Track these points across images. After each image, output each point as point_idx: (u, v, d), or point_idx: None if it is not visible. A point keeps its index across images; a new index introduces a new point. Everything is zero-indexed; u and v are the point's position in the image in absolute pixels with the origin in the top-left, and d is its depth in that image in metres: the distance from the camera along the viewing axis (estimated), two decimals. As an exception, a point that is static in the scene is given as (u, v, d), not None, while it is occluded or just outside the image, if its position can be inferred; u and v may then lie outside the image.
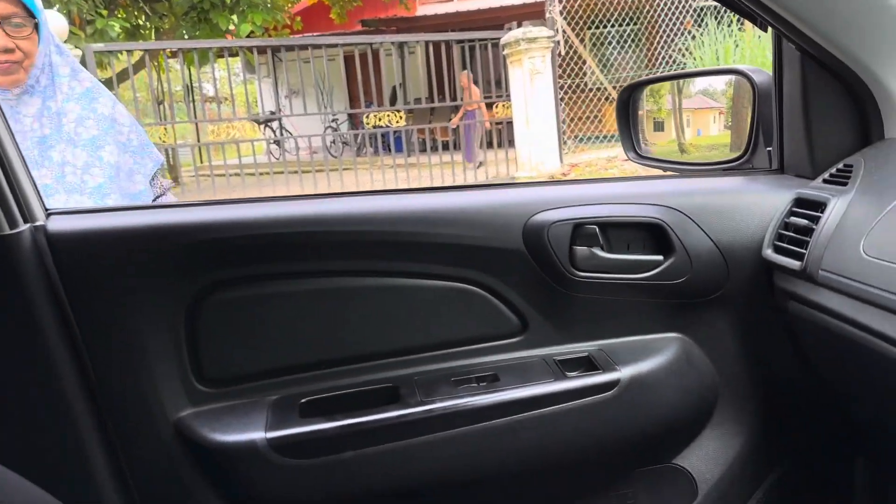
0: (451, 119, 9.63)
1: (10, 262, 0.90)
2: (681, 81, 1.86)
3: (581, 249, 1.09)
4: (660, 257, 1.11)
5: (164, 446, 1.00)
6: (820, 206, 1.02)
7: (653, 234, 1.12)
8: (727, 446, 1.18)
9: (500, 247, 1.08)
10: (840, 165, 1.09)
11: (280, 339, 1.06)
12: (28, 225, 0.93)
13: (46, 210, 0.98)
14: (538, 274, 1.10)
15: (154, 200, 1.65)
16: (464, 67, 9.42)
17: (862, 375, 1.00)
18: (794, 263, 1.00)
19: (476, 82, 9.46)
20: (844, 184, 1.02)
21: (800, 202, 1.08)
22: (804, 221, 1.02)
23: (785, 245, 1.05)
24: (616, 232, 1.12)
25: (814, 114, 1.13)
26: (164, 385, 1.01)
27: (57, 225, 0.96)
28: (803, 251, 0.99)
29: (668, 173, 1.43)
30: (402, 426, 1.01)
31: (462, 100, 9.70)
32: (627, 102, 1.47)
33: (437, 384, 1.07)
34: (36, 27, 1.49)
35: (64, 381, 0.95)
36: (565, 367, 1.10)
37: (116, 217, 1.02)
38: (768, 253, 1.07)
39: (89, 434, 0.97)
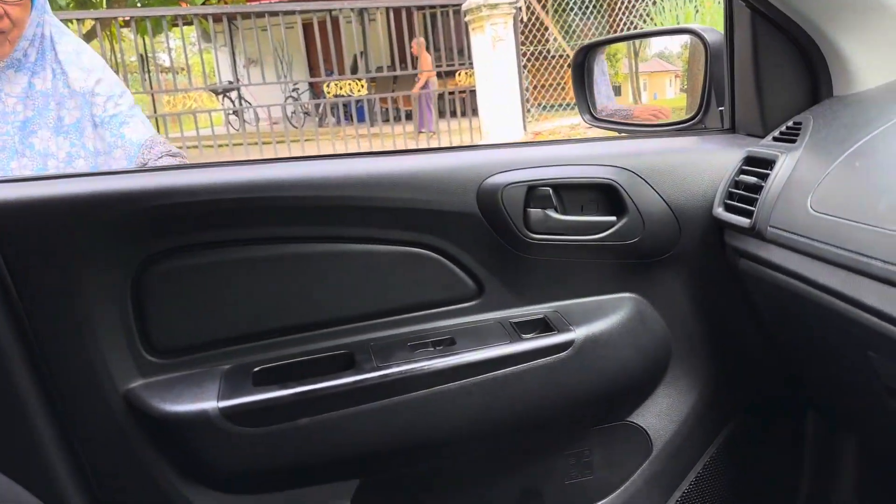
0: (413, 88, 9.52)
1: None
2: (637, 45, 1.85)
3: (535, 211, 1.09)
4: (613, 218, 1.12)
5: (115, 419, 0.98)
6: (769, 163, 1.03)
7: (606, 195, 1.12)
8: (681, 403, 1.20)
9: (454, 210, 1.07)
10: (790, 123, 1.09)
11: (231, 307, 1.04)
12: None
13: None
14: (493, 237, 1.10)
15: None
16: (425, 35, 9.30)
17: (809, 329, 1.02)
18: (744, 221, 1.01)
19: (437, 49, 9.35)
20: (793, 141, 1.03)
21: (750, 160, 1.09)
22: (754, 179, 1.03)
23: (735, 203, 1.06)
24: (569, 193, 1.12)
25: (764, 72, 1.13)
26: (113, 356, 0.98)
27: None
28: (752, 209, 1.00)
29: (622, 135, 1.43)
30: (357, 392, 1.00)
31: (415, 68, 9.58)
32: (583, 64, 1.46)
33: (393, 349, 1.06)
34: None
35: (7, 355, 0.91)
36: (521, 329, 1.10)
37: (60, 185, 0.98)
38: (719, 211, 1.08)
39: (36, 409, 0.94)
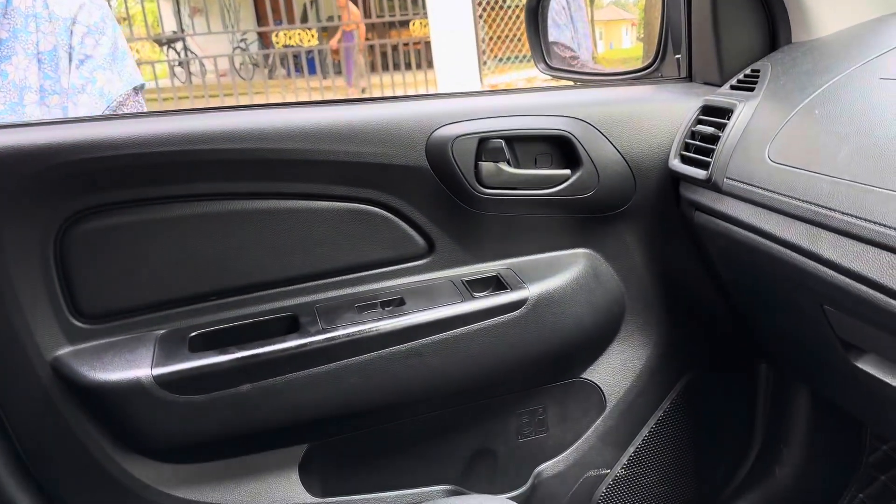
0: (368, 38, 9.27)
1: None
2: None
3: (487, 165, 1.05)
4: (567, 171, 1.08)
5: (42, 388, 0.92)
6: (726, 112, 0.99)
7: (560, 147, 1.08)
8: (634, 358, 1.19)
9: (401, 164, 1.02)
10: (747, 71, 1.06)
11: (164, 268, 0.98)
12: None
13: None
14: (443, 192, 1.05)
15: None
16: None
17: (764, 283, 1.00)
18: (700, 173, 0.98)
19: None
20: (751, 90, 1.00)
21: (707, 110, 1.05)
22: (711, 129, 1.00)
23: (691, 154, 1.02)
24: (523, 145, 1.07)
25: (722, 18, 1.09)
26: (37, 322, 0.92)
27: None
28: (709, 160, 0.97)
29: (577, 84, 1.38)
30: (302, 356, 0.96)
31: (340, 19, 9.27)
32: (536, 10, 1.40)
33: (340, 311, 1.02)
34: None
35: None
36: (473, 287, 1.07)
37: None
38: (675, 163, 1.05)
39: None
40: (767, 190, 0.85)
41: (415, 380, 1.03)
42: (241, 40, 10.89)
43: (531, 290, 1.06)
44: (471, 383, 1.08)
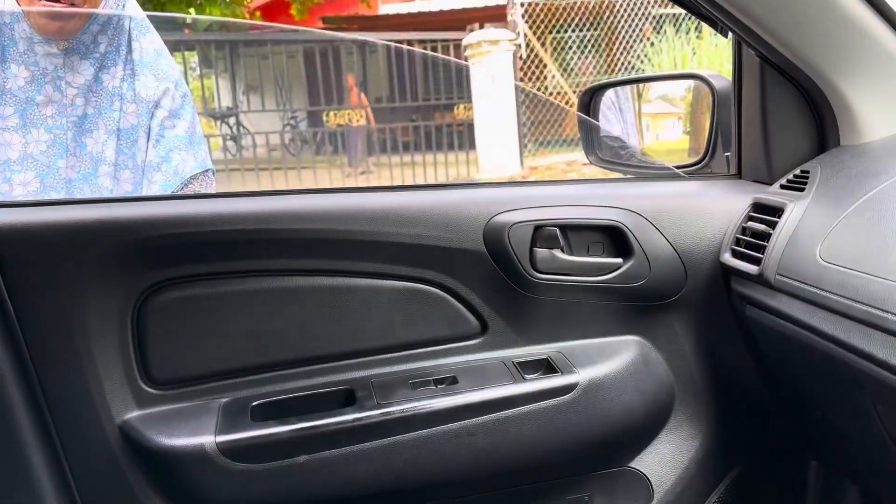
0: (412, 119, 9.59)
1: None
2: (640, 87, 1.88)
3: (541, 251, 1.09)
4: (619, 260, 1.11)
5: (109, 450, 0.96)
6: (777, 211, 1.03)
7: (612, 237, 1.12)
8: (683, 449, 1.19)
9: (460, 247, 1.07)
10: (797, 171, 1.10)
11: (232, 339, 1.03)
12: None
13: None
14: (498, 275, 1.09)
15: None
16: (426, 68, 9.40)
17: (815, 379, 1.01)
18: (752, 268, 1.01)
19: (437, 82, 9.44)
20: (801, 189, 1.03)
21: (757, 207, 1.09)
22: (762, 226, 1.03)
23: (742, 249, 1.05)
24: (576, 234, 1.11)
25: (772, 120, 1.14)
26: (110, 386, 0.97)
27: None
28: (760, 256, 1.00)
29: (628, 177, 1.43)
30: (358, 430, 0.98)
31: (348, 102, 9.59)
32: (588, 105, 1.47)
33: (395, 386, 1.05)
34: None
35: (4, 381, 0.89)
36: (524, 369, 1.09)
37: (63, 211, 0.97)
38: (726, 257, 1.08)
39: (30, 436, 0.92)
40: (819, 288, 0.87)
41: (464, 459, 1.04)
42: (292, 117, 11.34)
43: (581, 375, 1.08)
44: (519, 466, 1.09)
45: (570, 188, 1.20)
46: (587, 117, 1.48)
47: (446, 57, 8.78)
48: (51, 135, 1.26)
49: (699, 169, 1.30)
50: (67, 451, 0.95)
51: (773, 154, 1.15)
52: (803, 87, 1.11)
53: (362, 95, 9.26)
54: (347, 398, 1.03)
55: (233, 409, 1.00)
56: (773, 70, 1.11)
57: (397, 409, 1.00)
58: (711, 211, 1.13)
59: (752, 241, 1.04)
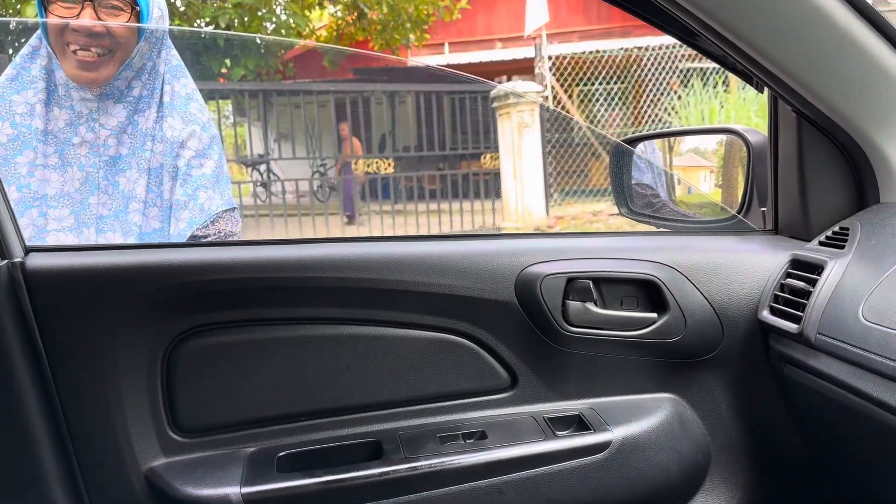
0: (439, 167, 9.69)
1: None
2: (671, 140, 1.87)
3: (574, 304, 1.07)
4: (654, 315, 1.09)
5: (134, 497, 0.96)
6: (817, 268, 1.00)
7: (647, 291, 1.10)
8: None
9: (490, 298, 1.06)
10: (836, 228, 1.08)
11: (259, 387, 1.02)
12: (5, 262, 0.90)
13: (26, 247, 0.96)
14: (529, 327, 1.08)
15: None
16: (453, 118, 9.54)
17: (859, 443, 0.97)
18: (791, 326, 0.98)
19: (464, 132, 9.55)
20: (842, 247, 1.01)
21: (796, 264, 1.06)
22: (801, 284, 1.01)
23: (781, 307, 1.03)
24: (610, 287, 1.10)
25: (809, 175, 1.13)
26: (137, 432, 0.97)
27: (36, 262, 0.93)
28: (800, 314, 0.98)
29: (661, 230, 1.42)
30: (384, 484, 0.97)
31: (342, 151, 9.69)
32: (620, 157, 1.47)
33: (423, 440, 1.03)
34: (137, 17, 1.26)
35: (32, 425, 0.90)
36: (555, 425, 1.07)
37: (97, 256, 0.98)
38: (765, 315, 1.05)
39: (56, 480, 0.92)
40: (862, 349, 0.85)
41: None
42: (321, 165, 11.54)
43: (615, 434, 1.05)
44: None
45: (604, 240, 1.18)
46: (619, 170, 1.48)
47: (475, 85, 8.90)
48: (83, 173, 1.31)
49: (735, 224, 1.28)
50: (92, 497, 0.95)
51: (811, 210, 1.13)
52: (841, 143, 1.09)
53: (355, 143, 9.42)
54: (374, 451, 1.02)
55: (259, 459, 0.99)
56: (810, 125, 1.10)
57: (425, 463, 0.98)
58: (749, 266, 1.11)
59: (791, 298, 1.02)
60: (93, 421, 0.95)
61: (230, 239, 1.38)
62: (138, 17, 1.27)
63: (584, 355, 1.10)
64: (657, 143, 1.72)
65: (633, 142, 1.47)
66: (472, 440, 1.04)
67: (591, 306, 1.08)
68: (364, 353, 1.05)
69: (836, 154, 1.11)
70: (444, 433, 1.04)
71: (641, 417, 1.09)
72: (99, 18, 1.23)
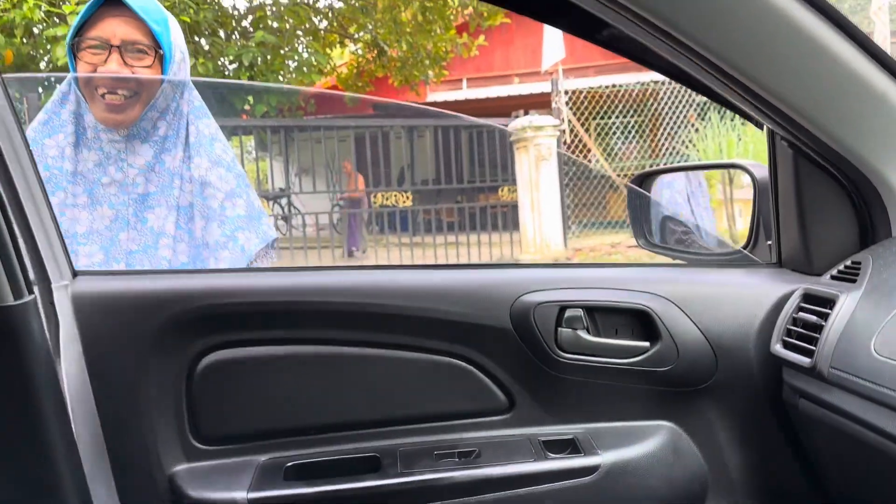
0: (457, 200, 9.75)
1: (27, 326, 0.90)
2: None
3: (566, 331, 1.11)
4: (646, 344, 1.11)
5: (158, 497, 1.04)
6: (829, 302, 1.01)
7: (640, 321, 1.12)
8: None
9: (488, 324, 1.11)
10: (848, 262, 1.08)
11: (271, 402, 1.09)
12: (60, 283, 0.99)
13: (74, 270, 1.05)
14: (525, 353, 1.11)
15: None
16: (471, 151, 9.63)
17: (870, 477, 0.96)
18: (804, 360, 0.99)
19: (482, 165, 9.62)
20: (853, 281, 1.02)
21: (808, 298, 1.07)
22: (813, 318, 1.01)
23: (794, 341, 1.03)
24: (604, 316, 1.12)
25: (808, 209, 1.14)
26: (164, 439, 1.06)
27: (83, 286, 1.01)
28: (813, 348, 0.98)
29: (658, 263, 1.44)
30: (379, 496, 1.03)
31: (346, 187, 9.82)
32: (640, 187, 1.49)
33: (419, 457, 1.08)
34: (161, 60, 1.31)
35: (75, 432, 0.95)
36: (550, 448, 1.09)
37: (139, 280, 1.08)
38: (777, 348, 1.06)
39: (96, 481, 0.98)
40: (875, 383, 0.85)
41: None
42: (341, 198, 11.67)
43: (605, 458, 1.07)
44: None
45: (597, 271, 1.22)
46: (637, 201, 1.50)
47: (491, 123, 8.98)
48: (113, 210, 1.35)
49: (740, 257, 1.30)
50: (123, 496, 1.02)
51: (811, 243, 1.14)
52: (846, 176, 1.10)
53: (360, 179, 9.56)
54: (373, 465, 1.07)
55: (269, 469, 1.07)
56: (807, 161, 1.12)
57: (418, 479, 1.03)
58: (745, 298, 1.13)
59: (803, 332, 1.02)
60: (126, 429, 1.04)
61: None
62: (162, 59, 1.32)
63: (579, 381, 1.13)
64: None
65: (650, 175, 1.49)
66: (465, 459, 1.09)
67: (582, 334, 1.11)
68: (368, 373, 1.11)
69: (836, 188, 1.12)
70: (440, 451, 1.09)
71: (634, 443, 1.11)
72: (125, 63, 1.28)
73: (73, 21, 1.31)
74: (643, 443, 1.11)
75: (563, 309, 1.11)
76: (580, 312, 1.11)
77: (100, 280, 1.08)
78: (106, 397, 1.02)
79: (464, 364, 1.12)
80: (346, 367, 1.10)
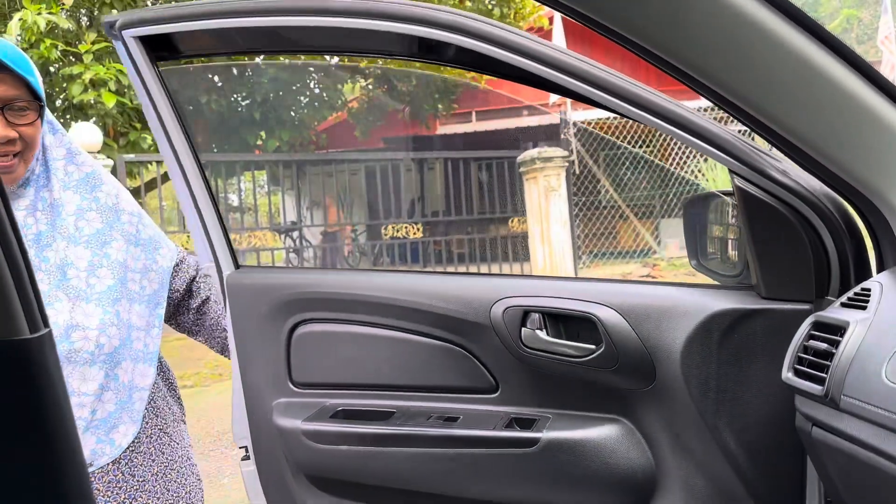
0: (467, 231, 9.79)
1: (43, 359, 0.91)
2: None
3: (527, 331, 1.32)
4: (592, 346, 1.28)
5: (266, 418, 1.48)
6: (839, 329, 1.01)
7: (587, 327, 1.30)
8: None
9: (472, 321, 1.37)
10: (857, 289, 1.08)
11: (332, 363, 1.48)
12: (225, 273, 1.52)
13: (237, 264, 1.54)
14: (500, 346, 1.35)
15: (203, 302, 1.56)
16: (480, 183, 9.69)
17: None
18: (816, 388, 0.98)
19: (491, 196, 9.69)
20: (864, 307, 1.02)
21: (818, 325, 1.07)
22: (824, 345, 1.01)
23: (805, 369, 1.03)
24: (556, 320, 1.34)
25: (756, 240, 1.19)
26: (274, 381, 1.49)
27: (235, 277, 1.51)
28: (824, 375, 0.98)
29: (612, 277, 1.52)
30: (386, 438, 1.38)
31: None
32: (695, 205, 1.53)
33: (419, 416, 1.40)
34: (40, 111, 1.28)
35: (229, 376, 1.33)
36: (516, 424, 1.34)
37: (262, 274, 1.61)
38: (788, 376, 1.05)
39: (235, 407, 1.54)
40: (886, 410, 0.84)
41: (447, 476, 1.37)
42: (353, 230, 11.75)
43: (546, 435, 1.30)
44: (494, 498, 1.37)
45: (561, 283, 1.43)
46: (693, 220, 1.50)
47: (501, 152, 9.03)
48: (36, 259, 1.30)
49: (737, 278, 1.31)
50: (251, 413, 1.51)
51: (763, 272, 1.20)
52: (855, 205, 1.11)
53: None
54: (387, 417, 1.41)
55: (325, 409, 1.45)
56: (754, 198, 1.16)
57: (411, 430, 1.37)
58: (680, 313, 1.24)
59: (814, 360, 1.02)
60: (252, 375, 1.49)
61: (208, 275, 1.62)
62: (40, 109, 1.29)
63: (542, 373, 1.35)
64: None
65: (703, 199, 1.50)
66: (449, 422, 1.37)
67: (540, 334, 1.32)
68: (392, 349, 1.44)
69: (783, 217, 1.15)
70: (433, 414, 1.40)
71: (580, 428, 1.32)
72: (9, 122, 1.24)
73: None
74: (588, 430, 1.32)
75: (526, 313, 1.33)
76: (537, 316, 1.33)
77: (245, 273, 1.51)
78: (241, 352, 1.49)
79: (459, 349, 1.40)
80: (381, 345, 1.45)
